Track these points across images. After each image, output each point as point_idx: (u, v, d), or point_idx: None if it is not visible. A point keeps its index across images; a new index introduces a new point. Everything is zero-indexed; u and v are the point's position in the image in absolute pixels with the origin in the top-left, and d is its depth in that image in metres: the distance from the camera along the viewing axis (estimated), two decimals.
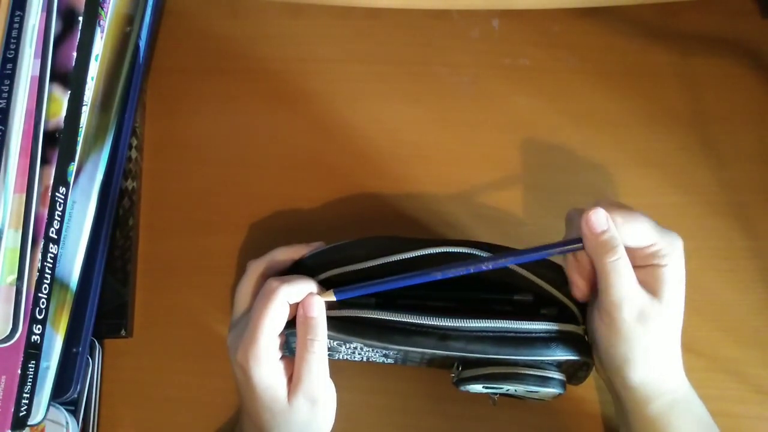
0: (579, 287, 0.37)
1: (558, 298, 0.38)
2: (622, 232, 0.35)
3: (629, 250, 0.35)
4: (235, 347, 0.36)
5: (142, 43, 0.46)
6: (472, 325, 0.36)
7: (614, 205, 0.36)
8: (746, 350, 0.44)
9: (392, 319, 0.36)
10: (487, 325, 0.36)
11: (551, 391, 0.37)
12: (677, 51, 0.49)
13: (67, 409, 0.40)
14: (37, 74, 0.37)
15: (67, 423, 0.39)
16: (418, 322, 0.36)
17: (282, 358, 0.36)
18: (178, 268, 0.46)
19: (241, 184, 0.47)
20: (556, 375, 0.37)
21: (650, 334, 0.35)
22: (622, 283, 0.35)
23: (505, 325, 0.36)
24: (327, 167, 0.47)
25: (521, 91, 0.49)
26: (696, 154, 0.47)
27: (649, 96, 0.48)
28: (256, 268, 0.39)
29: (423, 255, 0.37)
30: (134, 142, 0.46)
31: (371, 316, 0.37)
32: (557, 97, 0.49)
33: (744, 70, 0.49)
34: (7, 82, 0.36)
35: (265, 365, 0.35)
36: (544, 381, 0.37)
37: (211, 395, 0.44)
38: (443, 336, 0.36)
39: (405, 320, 0.36)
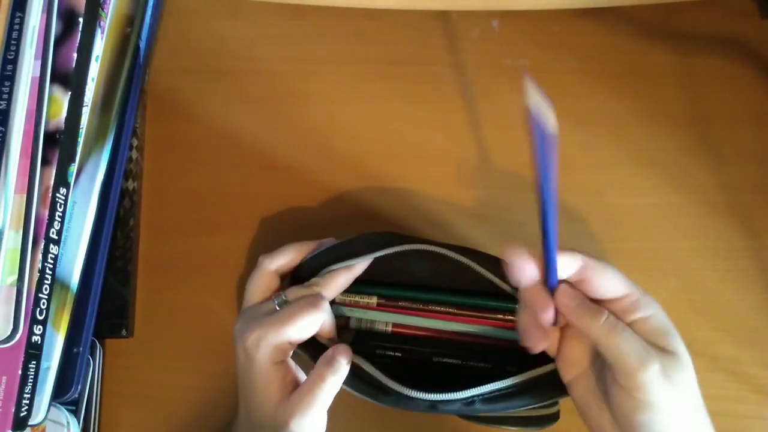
0: (543, 338, 0.34)
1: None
2: (594, 285, 0.33)
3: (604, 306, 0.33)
4: (247, 329, 0.36)
5: (143, 44, 0.46)
6: (459, 396, 0.36)
7: (573, 256, 0.33)
8: (746, 350, 0.44)
9: (384, 383, 0.37)
10: (476, 392, 0.36)
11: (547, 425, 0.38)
12: (677, 51, 0.49)
13: (68, 409, 0.40)
14: (38, 75, 0.37)
15: (68, 423, 0.39)
16: (407, 394, 0.36)
17: (284, 361, 0.37)
18: (178, 268, 0.46)
19: (241, 184, 0.47)
20: (548, 411, 0.38)
21: (682, 393, 0.31)
22: (629, 341, 0.31)
23: (493, 387, 0.36)
24: (327, 167, 0.47)
25: (521, 91, 0.49)
26: (696, 154, 0.47)
27: (649, 96, 0.48)
28: (268, 264, 0.39)
29: (417, 249, 0.38)
30: (135, 143, 0.46)
31: (364, 368, 0.37)
32: (557, 97, 0.48)
33: (744, 70, 0.49)
34: (7, 83, 0.36)
35: (272, 356, 0.35)
36: (540, 420, 0.38)
37: (212, 395, 0.44)
38: (432, 405, 0.36)
39: (395, 389, 0.36)
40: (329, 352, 0.36)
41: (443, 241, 0.39)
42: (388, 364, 0.38)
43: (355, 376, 0.37)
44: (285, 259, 0.39)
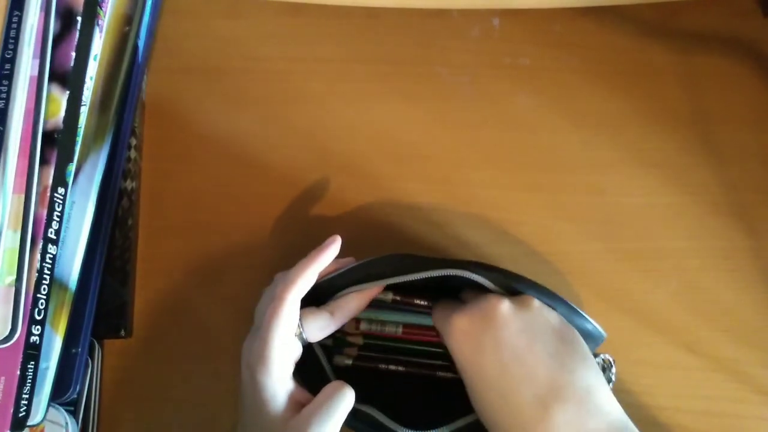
0: None
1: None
2: None
3: None
4: (249, 348, 0.36)
5: (141, 43, 0.46)
6: (456, 425, 0.37)
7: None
8: (746, 350, 0.44)
9: (376, 418, 0.37)
10: (462, 423, 0.36)
11: None
12: (677, 51, 0.49)
13: (66, 410, 0.40)
14: (36, 74, 0.37)
15: (66, 423, 0.39)
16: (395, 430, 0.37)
17: (294, 379, 0.37)
18: (177, 268, 0.46)
19: (241, 184, 0.47)
20: None
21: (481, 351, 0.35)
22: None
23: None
24: (326, 166, 0.47)
25: (521, 91, 0.49)
26: (696, 154, 0.47)
27: (649, 96, 0.48)
28: (288, 297, 0.36)
29: (436, 276, 0.37)
30: (133, 142, 0.46)
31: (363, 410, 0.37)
32: (557, 97, 0.49)
33: (744, 70, 0.49)
34: (5, 82, 0.36)
35: (275, 372, 0.35)
36: None
37: (211, 396, 0.44)
38: None
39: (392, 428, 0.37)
40: (338, 384, 0.36)
41: (452, 257, 0.38)
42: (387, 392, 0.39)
43: (355, 418, 0.37)
44: (305, 285, 0.37)
